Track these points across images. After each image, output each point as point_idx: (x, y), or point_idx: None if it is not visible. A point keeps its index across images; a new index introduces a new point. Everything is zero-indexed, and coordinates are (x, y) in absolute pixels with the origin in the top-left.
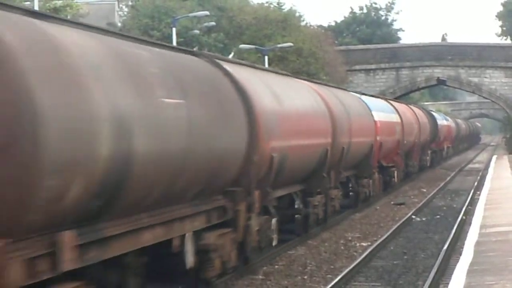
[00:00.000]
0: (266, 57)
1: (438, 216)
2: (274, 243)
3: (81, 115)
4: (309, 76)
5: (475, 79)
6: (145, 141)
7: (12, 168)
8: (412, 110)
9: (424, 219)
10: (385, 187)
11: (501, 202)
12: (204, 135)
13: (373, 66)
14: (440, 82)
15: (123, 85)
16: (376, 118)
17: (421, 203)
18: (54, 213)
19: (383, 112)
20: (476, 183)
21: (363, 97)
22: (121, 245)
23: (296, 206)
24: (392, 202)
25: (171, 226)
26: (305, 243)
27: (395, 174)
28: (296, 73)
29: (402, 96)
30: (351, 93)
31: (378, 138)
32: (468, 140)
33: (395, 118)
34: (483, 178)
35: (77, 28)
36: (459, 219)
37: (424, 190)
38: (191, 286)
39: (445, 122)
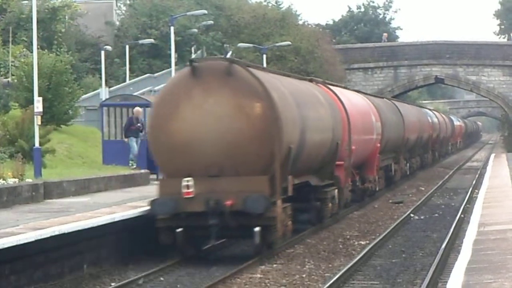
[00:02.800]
0: (264, 56)
1: (436, 215)
2: (407, 173)
3: (397, 121)
4: (308, 75)
5: (473, 78)
6: (411, 131)
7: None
8: (442, 115)
9: (422, 217)
10: (432, 161)
11: (500, 201)
12: (397, 129)
13: (371, 65)
14: (438, 80)
15: (392, 115)
16: (429, 121)
17: (419, 202)
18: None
19: (431, 117)
20: (474, 181)
21: (423, 109)
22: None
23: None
24: (390, 201)
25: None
26: (303, 241)
27: (436, 154)
28: (294, 72)
29: (400, 94)
30: (416, 107)
31: (431, 132)
32: (472, 136)
33: (436, 120)
34: (481, 176)
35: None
36: (457, 217)
37: (423, 189)
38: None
39: (458, 123)
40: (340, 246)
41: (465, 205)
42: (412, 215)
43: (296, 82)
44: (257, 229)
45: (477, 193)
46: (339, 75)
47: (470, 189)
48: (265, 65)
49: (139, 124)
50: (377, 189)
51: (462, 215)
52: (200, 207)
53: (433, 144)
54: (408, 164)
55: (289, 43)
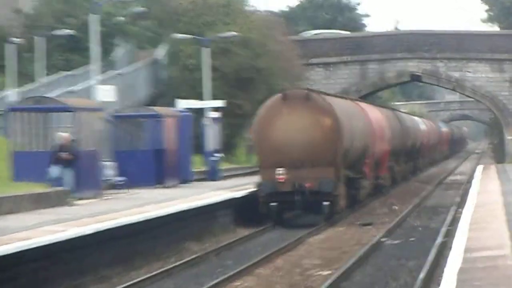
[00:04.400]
0: (208, 50)
1: (412, 239)
2: (405, 173)
3: (399, 129)
4: (258, 71)
5: (456, 74)
6: (407, 139)
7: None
8: (430, 122)
9: (396, 242)
10: (422, 166)
11: (488, 221)
12: (399, 136)
13: (333, 59)
14: (414, 78)
15: (397, 124)
16: (420, 128)
17: (392, 223)
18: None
19: (421, 124)
20: (458, 199)
21: (415, 117)
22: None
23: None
24: (357, 222)
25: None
26: (253, 272)
27: (426, 160)
28: (243, 69)
29: (369, 94)
30: (409, 115)
31: (422, 139)
32: (459, 143)
33: (425, 128)
34: (466, 193)
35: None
36: (437, 241)
37: (396, 208)
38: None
39: (444, 129)
40: (298, 277)
41: (447, 227)
42: (383, 239)
43: (344, 101)
44: (326, 203)
45: (461, 212)
46: (297, 71)
47: (453, 207)
48: (209, 60)
49: (66, 153)
50: (387, 184)
51: (444, 239)
52: (289, 188)
53: (423, 150)
54: (405, 167)
55: (236, 33)
